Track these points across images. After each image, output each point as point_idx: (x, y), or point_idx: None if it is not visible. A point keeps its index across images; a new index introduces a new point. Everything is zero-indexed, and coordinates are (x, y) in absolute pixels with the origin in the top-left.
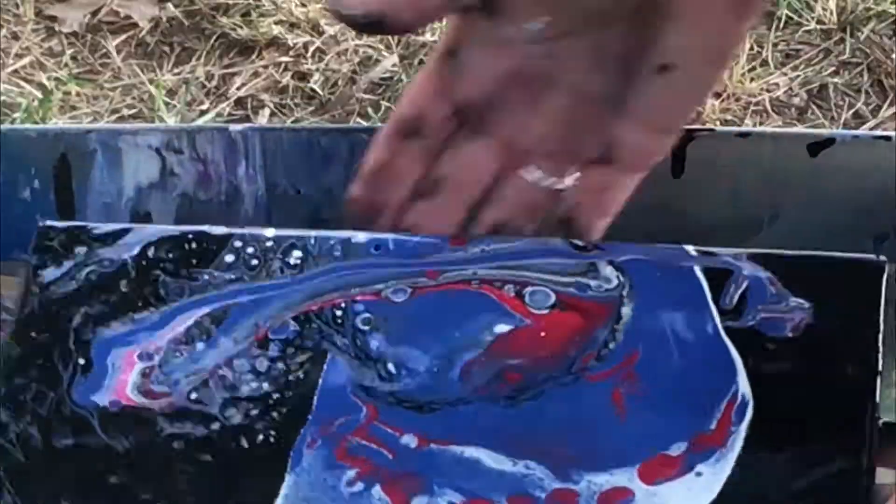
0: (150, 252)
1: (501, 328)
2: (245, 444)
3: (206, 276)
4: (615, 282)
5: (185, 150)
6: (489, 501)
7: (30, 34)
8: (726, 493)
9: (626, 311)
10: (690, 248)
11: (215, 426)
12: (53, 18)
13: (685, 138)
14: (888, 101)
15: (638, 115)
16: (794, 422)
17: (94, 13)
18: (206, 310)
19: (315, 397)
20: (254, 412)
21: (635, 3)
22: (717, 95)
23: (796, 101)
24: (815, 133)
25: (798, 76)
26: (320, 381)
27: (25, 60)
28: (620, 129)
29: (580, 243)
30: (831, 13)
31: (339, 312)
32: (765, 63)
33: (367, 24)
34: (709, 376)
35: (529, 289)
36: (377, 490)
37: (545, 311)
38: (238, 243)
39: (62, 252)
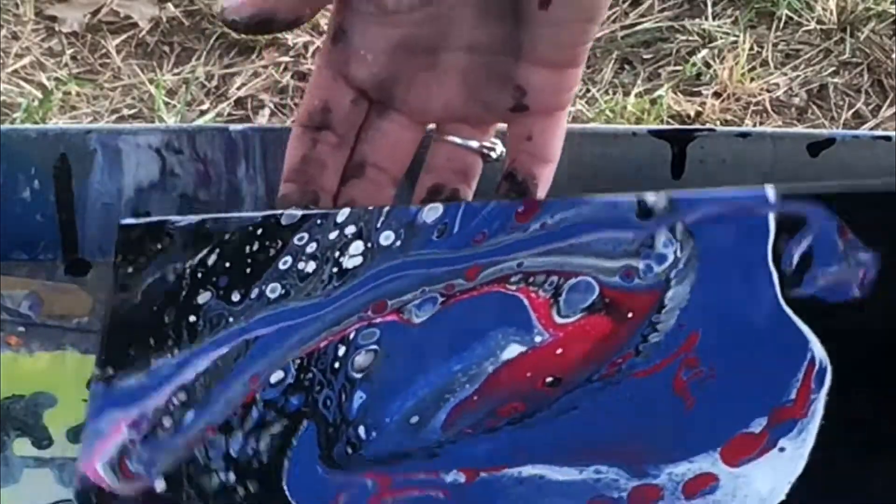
0: (211, 259)
1: (511, 352)
2: None
3: (254, 294)
4: (670, 258)
5: (185, 151)
6: None
7: (30, 34)
8: (811, 466)
9: (674, 292)
10: (770, 192)
11: None
12: (53, 18)
13: (685, 138)
14: (888, 101)
15: (535, 55)
16: (874, 384)
17: (94, 13)
18: (223, 350)
19: (285, 485)
20: None
21: None
22: (717, 95)
23: (796, 101)
24: (815, 133)
25: (798, 76)
26: (286, 463)
27: (25, 60)
28: (524, 73)
29: (650, 204)
30: (831, 13)
31: (341, 351)
32: (765, 63)
33: (256, 24)
34: (780, 347)
35: (571, 281)
36: None
37: (572, 319)
38: (302, 238)
39: (139, 255)
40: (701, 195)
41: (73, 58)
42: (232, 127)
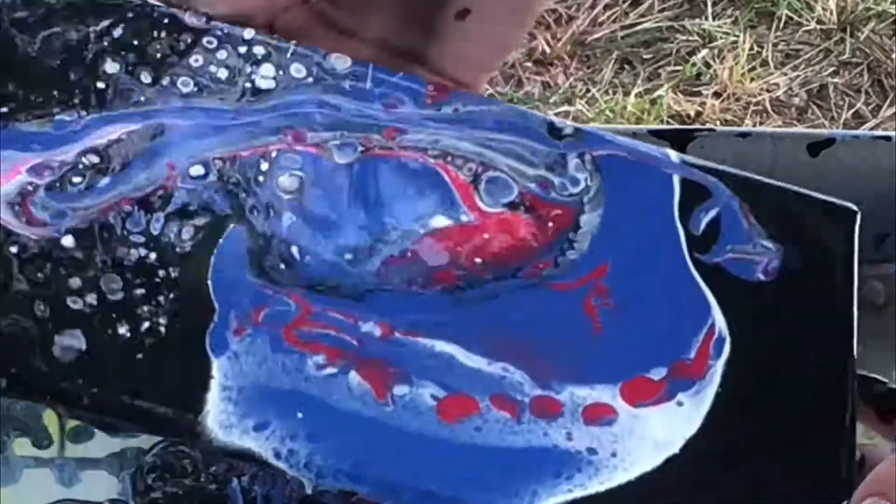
0: (117, 31)
1: (439, 222)
2: (125, 327)
3: (165, 81)
4: (582, 184)
5: None
6: (472, 398)
7: None
8: (706, 427)
9: (588, 218)
10: (673, 155)
11: (90, 298)
12: None
13: (685, 138)
14: (888, 101)
15: (438, 68)
16: (770, 369)
17: None
18: (137, 125)
19: (210, 281)
20: (138, 290)
21: None
22: (717, 95)
23: (796, 101)
24: (815, 133)
25: (798, 76)
26: (213, 259)
27: None
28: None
29: (558, 125)
30: (831, 13)
31: (264, 166)
32: (765, 63)
33: (231, 23)
34: (683, 304)
35: (490, 173)
36: (353, 375)
37: (496, 210)
38: (211, 42)
39: None
40: (605, 135)
41: None
42: None
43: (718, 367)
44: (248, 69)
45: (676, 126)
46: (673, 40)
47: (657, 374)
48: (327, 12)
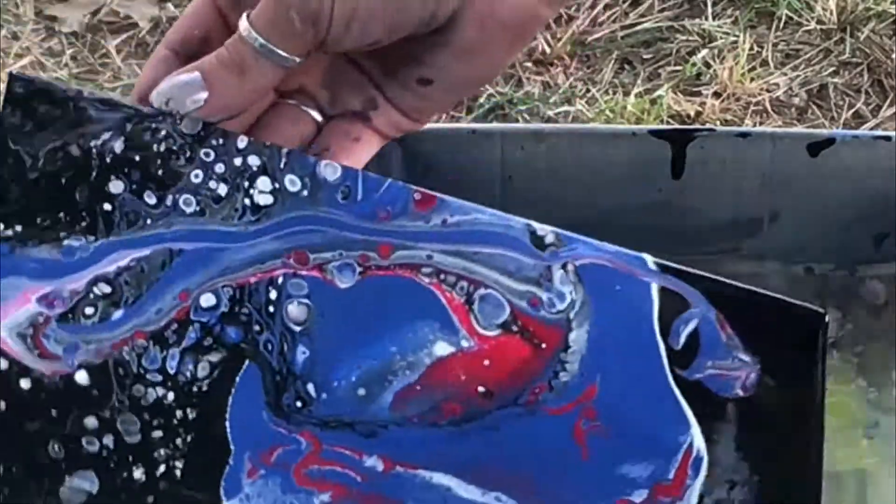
0: (118, 145)
1: (442, 349)
2: (140, 470)
3: (169, 201)
4: (567, 299)
5: None
6: None
7: (30, 34)
8: None
9: (576, 335)
10: (650, 260)
11: (107, 439)
12: (53, 18)
13: (685, 138)
14: (888, 101)
15: (395, 102)
16: (744, 486)
17: (94, 13)
18: (145, 252)
19: (228, 423)
20: (155, 432)
21: (411, 34)
22: (717, 95)
23: (796, 101)
24: (815, 133)
25: (798, 76)
26: (231, 399)
27: (25, 60)
28: (382, 105)
29: (540, 232)
30: (831, 13)
31: (273, 294)
32: (765, 63)
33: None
34: (664, 423)
35: (482, 291)
36: None
37: (493, 333)
38: (209, 154)
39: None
40: (585, 239)
41: (73, 58)
42: None
43: (696, 486)
44: (246, 184)
45: (676, 126)
46: (673, 40)
47: (639, 496)
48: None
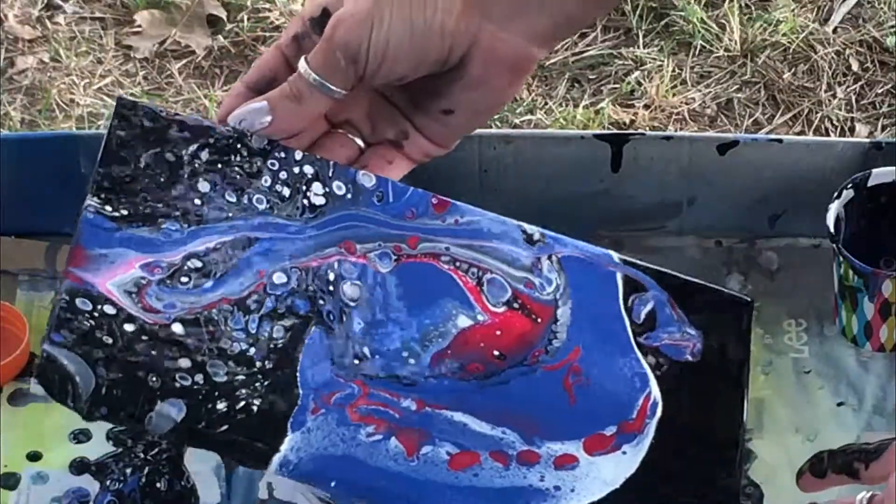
0: (204, 155)
1: (464, 322)
2: (223, 403)
3: (245, 200)
4: (554, 283)
5: None
6: (476, 453)
7: (111, 59)
8: (642, 468)
9: (562, 311)
10: (615, 255)
11: (198, 377)
12: (129, 47)
13: (622, 140)
14: (780, 112)
15: (420, 129)
16: (689, 426)
17: (161, 43)
18: (228, 237)
19: (298, 373)
20: (239, 376)
21: (432, 71)
22: (647, 107)
23: (708, 111)
24: (723, 136)
25: (710, 92)
26: (300, 356)
27: (107, 80)
28: (412, 134)
29: (529, 231)
30: (736, 43)
31: (331, 276)
32: (684, 82)
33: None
34: (630, 377)
35: (488, 276)
36: (393, 440)
37: (501, 310)
38: (274, 164)
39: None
40: (564, 238)
41: (145, 78)
42: None
43: (653, 424)
44: (304, 188)
45: (615, 131)
46: (612, 64)
47: (609, 430)
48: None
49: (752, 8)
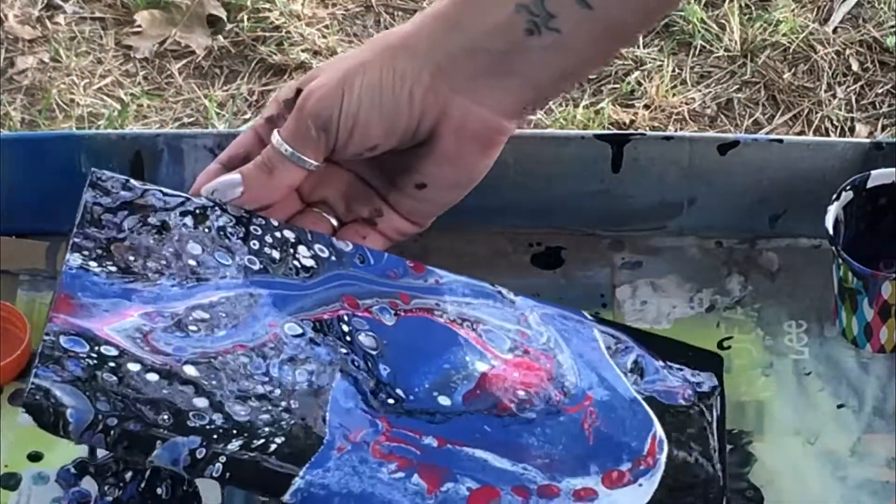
0: (188, 219)
1: (482, 366)
2: (240, 440)
3: (239, 261)
4: (544, 335)
5: None
6: (497, 489)
7: (111, 59)
8: (654, 498)
9: (562, 358)
10: (586, 314)
11: (216, 416)
12: (129, 47)
13: (622, 140)
14: (780, 112)
15: (398, 209)
16: (686, 461)
17: (161, 43)
18: (231, 293)
19: (326, 413)
20: (263, 415)
21: (402, 141)
22: (647, 107)
23: (708, 111)
24: (724, 136)
25: (710, 92)
26: (329, 398)
27: (108, 80)
28: (386, 212)
29: (506, 294)
30: (736, 43)
31: (345, 328)
32: (684, 82)
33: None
34: (637, 419)
35: (483, 327)
36: (415, 477)
37: (510, 356)
38: (257, 230)
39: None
40: (536, 300)
41: (145, 78)
42: None
43: (662, 458)
44: (291, 251)
45: (615, 131)
46: (612, 64)
47: (625, 466)
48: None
49: (752, 8)
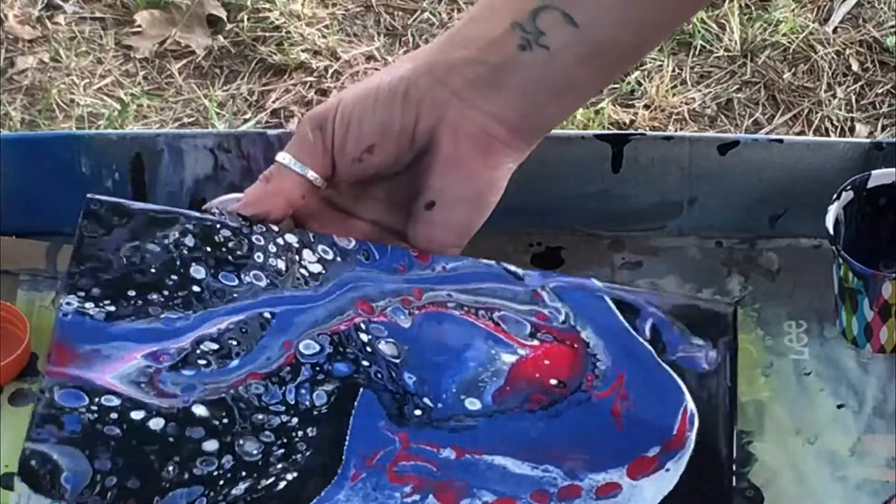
0: (189, 240)
1: (509, 358)
2: (247, 483)
3: (245, 279)
4: (562, 313)
5: (232, 150)
6: (514, 499)
7: (111, 59)
8: (681, 481)
9: (587, 335)
10: (595, 281)
11: (225, 459)
12: (129, 47)
13: (623, 140)
14: (780, 112)
15: (414, 243)
16: (722, 438)
17: (161, 43)
18: (241, 316)
19: (347, 436)
20: (278, 450)
21: (409, 161)
22: (647, 107)
23: (708, 111)
24: (724, 136)
25: (710, 92)
26: (352, 418)
27: (107, 80)
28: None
29: (511, 269)
30: (735, 43)
31: (364, 337)
32: (684, 82)
33: (251, 221)
34: (667, 394)
35: (498, 313)
36: (431, 498)
37: (533, 343)
38: (259, 239)
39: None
40: (542, 271)
41: (145, 78)
42: (269, 132)
43: (692, 435)
44: (296, 257)
45: (615, 131)
46: None
47: (653, 451)
48: (333, 197)
49: (752, 8)
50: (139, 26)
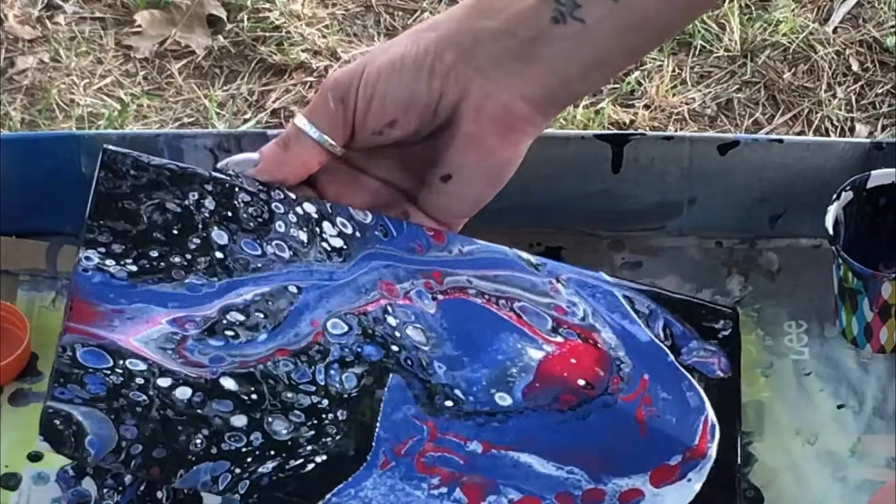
0: (209, 202)
1: (536, 354)
2: (275, 462)
3: (268, 249)
4: (580, 308)
5: (232, 150)
6: (538, 499)
7: (111, 59)
8: (701, 491)
9: (605, 336)
10: (604, 275)
11: (254, 436)
12: (129, 47)
13: (623, 140)
14: (780, 112)
15: (425, 210)
16: (729, 443)
17: (161, 43)
18: (266, 288)
19: (378, 421)
20: (307, 432)
21: (428, 133)
22: (647, 107)
23: (708, 111)
24: (724, 136)
25: (710, 92)
26: (382, 404)
27: (108, 80)
28: (414, 215)
29: (525, 256)
30: (735, 43)
31: (392, 321)
32: (684, 82)
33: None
34: (689, 403)
35: (518, 304)
36: (458, 492)
37: (559, 338)
38: (279, 207)
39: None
40: (554, 262)
41: (145, 78)
42: (269, 132)
43: (713, 446)
44: (317, 229)
45: (615, 131)
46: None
47: (675, 460)
48: (345, 154)
49: (752, 8)
50: (139, 26)
